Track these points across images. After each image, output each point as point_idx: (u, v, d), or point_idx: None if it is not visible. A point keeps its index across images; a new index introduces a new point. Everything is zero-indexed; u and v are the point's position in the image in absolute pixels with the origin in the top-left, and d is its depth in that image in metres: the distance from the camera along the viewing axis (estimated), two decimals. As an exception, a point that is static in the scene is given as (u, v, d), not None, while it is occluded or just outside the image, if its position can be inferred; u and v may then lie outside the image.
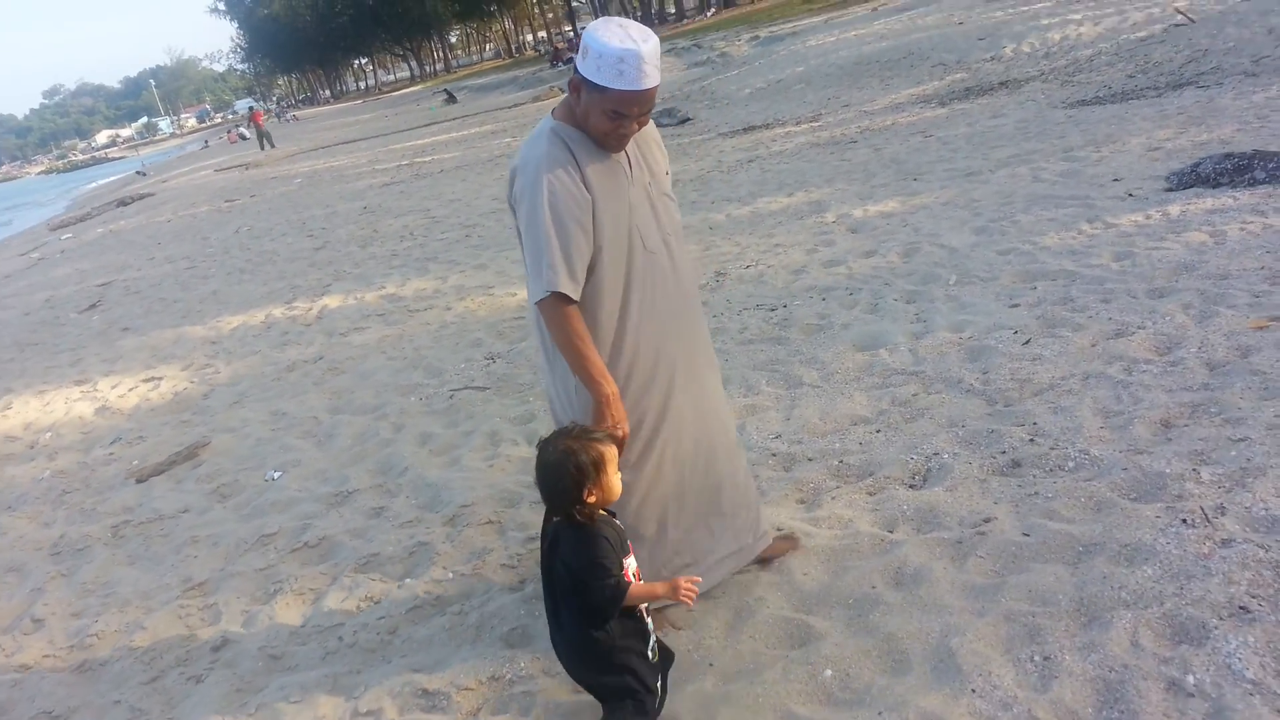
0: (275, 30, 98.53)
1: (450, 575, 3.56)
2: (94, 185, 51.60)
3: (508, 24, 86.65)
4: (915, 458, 3.79)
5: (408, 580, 3.59)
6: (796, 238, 7.52)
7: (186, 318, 9.06)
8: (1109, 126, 8.81)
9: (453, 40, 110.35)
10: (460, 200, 13.41)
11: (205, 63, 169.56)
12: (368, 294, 8.52)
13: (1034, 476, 3.48)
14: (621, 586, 2.31)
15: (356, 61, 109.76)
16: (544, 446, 2.40)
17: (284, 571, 3.83)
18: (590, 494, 2.32)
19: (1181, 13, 12.77)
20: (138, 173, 48.75)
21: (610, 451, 2.37)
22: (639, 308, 2.74)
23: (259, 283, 10.16)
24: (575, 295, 2.55)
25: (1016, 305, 5.10)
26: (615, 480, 2.39)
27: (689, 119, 17.88)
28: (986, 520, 3.25)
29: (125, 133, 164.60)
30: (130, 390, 6.97)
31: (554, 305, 2.52)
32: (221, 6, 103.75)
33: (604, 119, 2.54)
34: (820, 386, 4.66)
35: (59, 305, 11.28)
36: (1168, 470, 3.27)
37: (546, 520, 2.46)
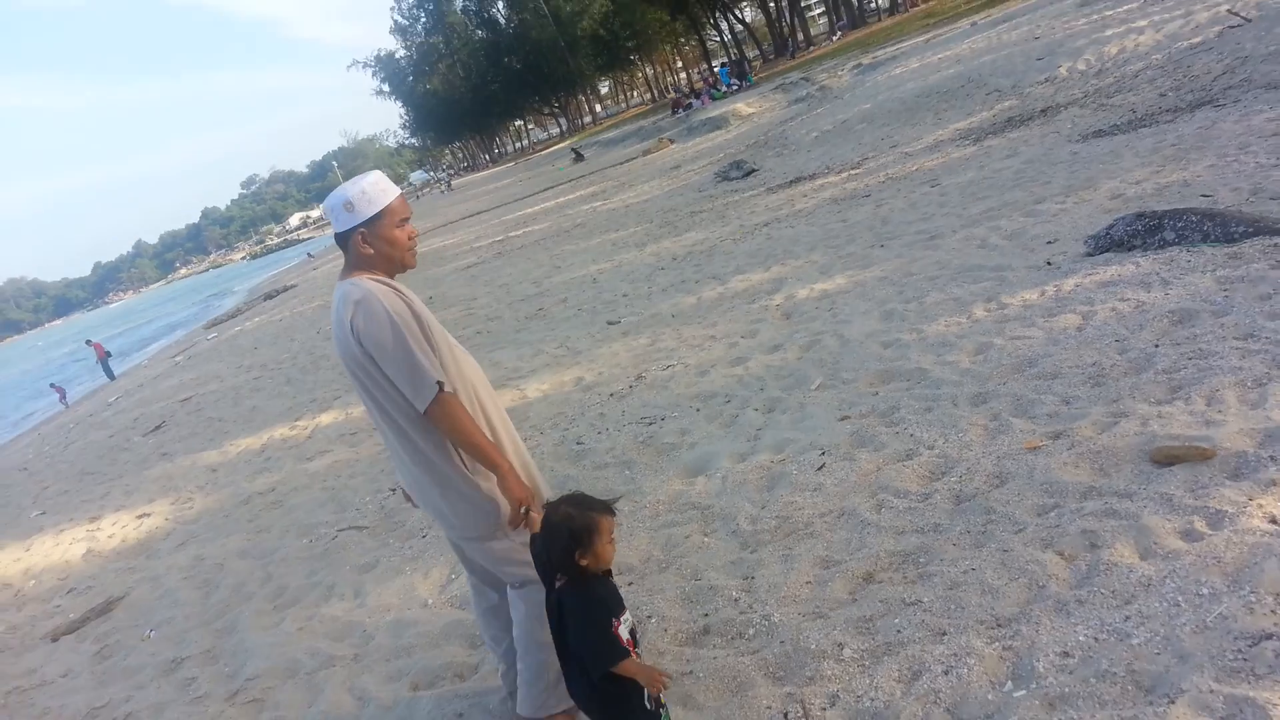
0: (435, 104, 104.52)
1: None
2: (273, 273, 56.18)
3: (649, 71, 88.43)
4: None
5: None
6: (732, 327, 7.47)
7: (211, 441, 9.88)
8: (1098, 166, 8.25)
9: (604, 90, 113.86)
10: (506, 286, 13.92)
11: (380, 140, 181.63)
12: (358, 407, 9.02)
13: (712, 646, 3.40)
14: (616, 650, 2.52)
15: (515, 123, 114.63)
16: (548, 511, 2.61)
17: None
18: (583, 557, 2.53)
19: (1234, 13, 11.71)
20: (308, 255, 52.61)
21: (605, 522, 2.57)
22: (484, 398, 3.05)
23: (290, 396, 10.94)
24: (449, 386, 2.83)
25: (846, 418, 4.93)
26: (607, 548, 2.57)
27: (754, 170, 17.79)
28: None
29: (314, 213, 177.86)
30: (120, 528, 7.72)
31: (445, 400, 2.77)
32: (385, 89, 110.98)
33: (400, 231, 2.91)
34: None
35: (139, 424, 12.50)
36: (814, 646, 3.14)
37: (548, 587, 2.64)
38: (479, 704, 3.52)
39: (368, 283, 2.84)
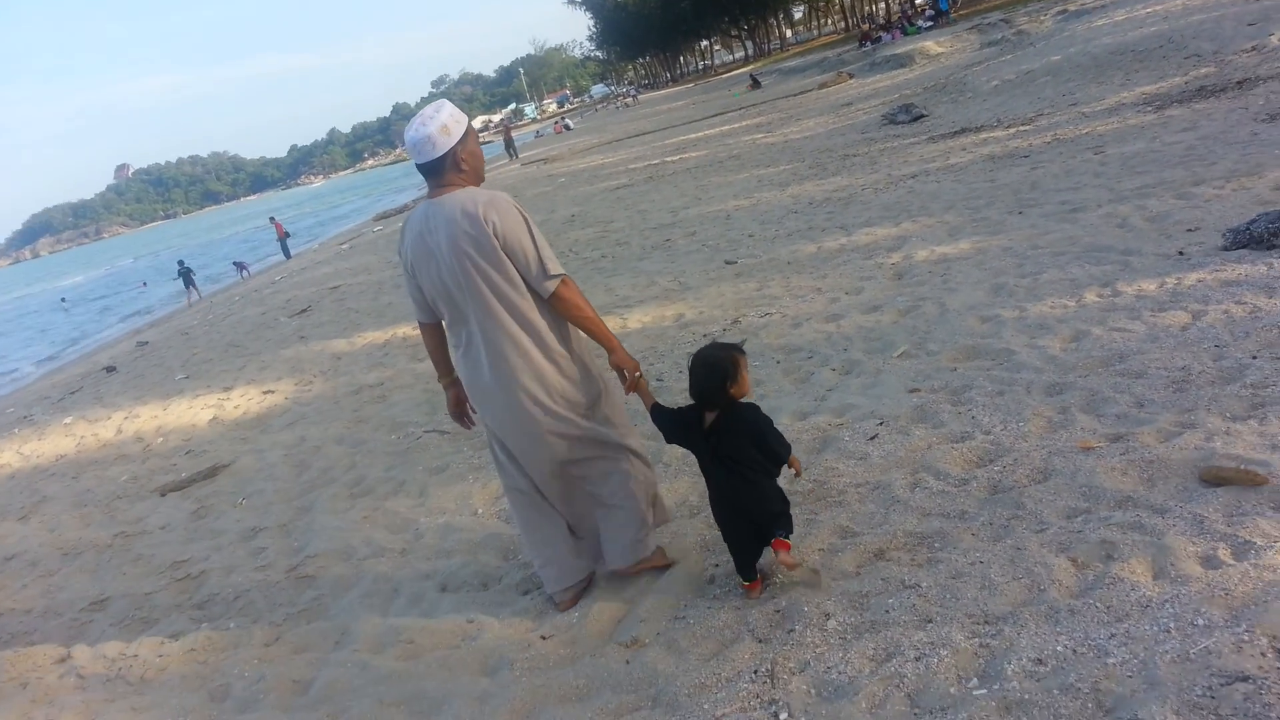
0: (623, 18, 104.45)
1: (231, 626, 4.21)
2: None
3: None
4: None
5: (204, 626, 4.28)
6: (839, 281, 7.35)
7: (344, 330, 10.51)
8: (1274, 151, 7.56)
9: (797, 16, 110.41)
10: (644, 212, 14.01)
11: (566, 50, 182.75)
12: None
13: (710, 596, 3.48)
14: (786, 442, 3.24)
15: (702, 43, 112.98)
16: (700, 354, 3.19)
17: (158, 601, 4.70)
18: (731, 387, 3.12)
19: None
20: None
21: (742, 359, 3.17)
22: None
23: (423, 295, 11.44)
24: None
25: (915, 391, 4.83)
26: (746, 378, 3.17)
27: (923, 116, 17.07)
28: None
29: (496, 117, 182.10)
30: (246, 400, 8.39)
31: (569, 283, 3.27)
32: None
33: (479, 147, 3.38)
34: (668, 466, 4.75)
35: (289, 305, 13.38)
36: (804, 610, 3.18)
37: (695, 419, 3.25)
38: (491, 611, 3.74)
39: (483, 190, 3.25)
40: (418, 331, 3.67)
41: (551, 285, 3.19)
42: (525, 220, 3.20)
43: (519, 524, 3.68)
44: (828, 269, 7.89)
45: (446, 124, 3.16)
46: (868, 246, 8.31)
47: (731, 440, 3.17)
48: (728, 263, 9.16)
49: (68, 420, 9.94)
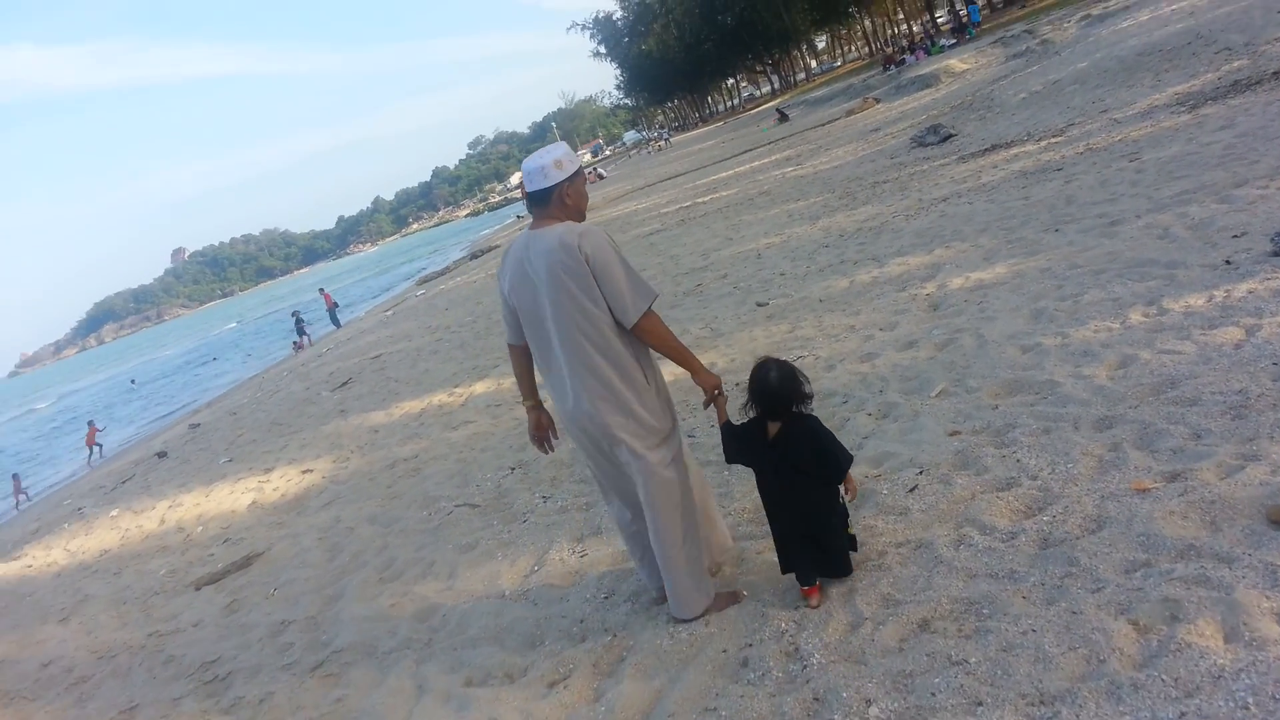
0: (649, 65, 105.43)
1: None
2: (487, 230, 58.86)
3: (867, 24, 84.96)
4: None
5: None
6: (873, 317, 7.11)
7: (382, 402, 10.48)
8: (1319, 143, 7.20)
9: (820, 46, 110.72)
10: (675, 258, 13.89)
11: (596, 101, 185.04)
12: (509, 379, 9.28)
13: (744, 682, 3.25)
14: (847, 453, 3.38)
15: (728, 81, 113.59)
16: (761, 367, 3.35)
17: (185, 707, 4.58)
18: (800, 396, 3.33)
19: None
20: (518, 216, 54.85)
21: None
22: None
23: (458, 361, 11.43)
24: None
25: (956, 434, 4.57)
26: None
27: (951, 135, 16.78)
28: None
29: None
30: (285, 482, 8.34)
31: (655, 313, 3.42)
32: (602, 50, 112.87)
33: (586, 187, 3.61)
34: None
35: (332, 379, 13.45)
36: (843, 698, 2.93)
37: (759, 432, 3.42)
38: (518, 706, 3.54)
39: (581, 224, 3.44)
40: (452, 398, 3.70)
41: (636, 317, 3.34)
42: (617, 252, 3.38)
43: (621, 533, 3.88)
44: (861, 304, 7.66)
45: (560, 159, 3.42)
46: (901, 277, 8.06)
47: (795, 450, 3.31)
48: (759, 305, 8.96)
49: (114, 513, 10.02)
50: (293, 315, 31.36)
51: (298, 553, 6.38)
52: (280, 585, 5.87)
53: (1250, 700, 2.34)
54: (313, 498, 7.69)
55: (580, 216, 3.53)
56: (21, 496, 20.71)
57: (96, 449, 23.72)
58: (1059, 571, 3.16)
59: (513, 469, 6.51)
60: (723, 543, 3.96)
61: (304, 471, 8.63)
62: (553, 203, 3.44)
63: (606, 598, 4.18)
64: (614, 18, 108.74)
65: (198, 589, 6.34)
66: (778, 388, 3.28)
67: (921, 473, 4.29)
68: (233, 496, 8.64)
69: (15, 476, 21.64)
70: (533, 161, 3.45)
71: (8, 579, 8.96)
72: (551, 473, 6.20)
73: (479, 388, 9.45)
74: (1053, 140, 12.48)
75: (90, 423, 24.79)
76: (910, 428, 4.85)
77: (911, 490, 4.16)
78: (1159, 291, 5.43)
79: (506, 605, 4.44)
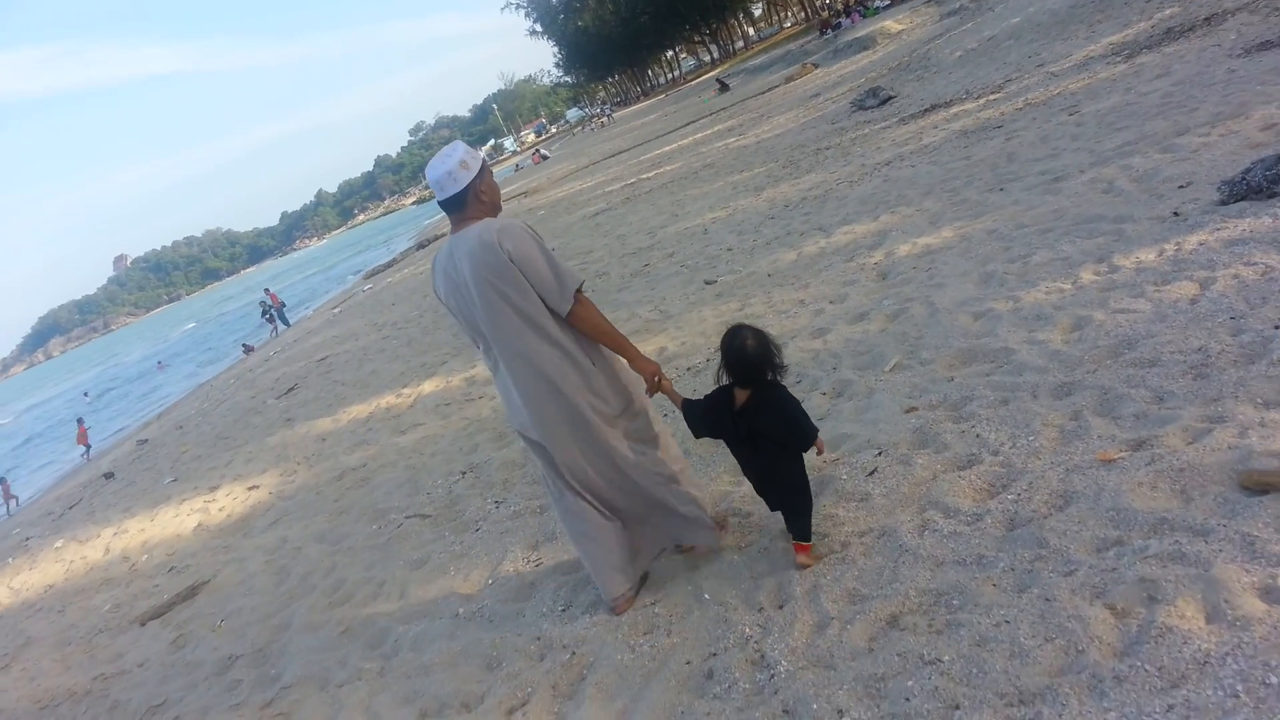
0: (586, 41, 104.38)
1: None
2: (432, 219, 57.98)
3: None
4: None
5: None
6: (822, 290, 6.96)
7: (329, 408, 10.17)
8: (1255, 87, 7.15)
9: (757, 13, 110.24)
10: (622, 237, 13.66)
11: (536, 80, 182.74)
12: (457, 375, 9.03)
13: (709, 696, 3.08)
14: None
15: (667, 54, 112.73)
16: (736, 334, 3.25)
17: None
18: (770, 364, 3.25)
19: None
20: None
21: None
22: None
23: (405, 359, 11.12)
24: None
25: (913, 410, 4.43)
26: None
27: (891, 98, 16.69)
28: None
29: (480, 154, 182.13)
30: (231, 500, 8.05)
31: (584, 300, 3.37)
32: (538, 28, 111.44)
33: (494, 180, 3.53)
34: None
35: (278, 385, 13.06)
36: (814, 710, 2.77)
37: (726, 401, 3.38)
38: (476, 740, 3.35)
39: (498, 219, 3.38)
40: (400, 400, 3.62)
41: (567, 305, 3.31)
42: (538, 243, 3.33)
43: (573, 541, 3.76)
44: (809, 277, 7.50)
45: (464, 159, 3.34)
46: (848, 246, 7.92)
47: (763, 418, 3.28)
48: (707, 283, 8.78)
49: (59, 544, 9.64)
50: (260, 305, 31.24)
51: (244, 579, 6.11)
52: (227, 616, 5.60)
53: (1240, 688, 2.21)
54: (259, 517, 7.40)
55: (496, 210, 3.48)
56: (12, 501, 20.75)
57: (87, 447, 23.57)
58: (1028, 554, 3.03)
59: (464, 473, 6.28)
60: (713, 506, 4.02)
61: (250, 488, 8.32)
62: (469, 204, 3.38)
63: (564, 609, 3.99)
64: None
65: (143, 625, 6.05)
66: (754, 355, 3.20)
67: (880, 454, 4.14)
68: (177, 520, 8.31)
69: (3, 481, 21.70)
70: (437, 170, 3.35)
71: (-56, 622, 8.57)
72: (504, 475, 5.99)
73: (427, 386, 9.18)
74: (991, 97, 12.41)
75: (79, 420, 24.79)
76: (866, 406, 4.70)
77: (871, 474, 4.01)
78: (1108, 248, 5.32)
79: (460, 625, 4.23)
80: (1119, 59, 10.92)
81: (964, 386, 4.42)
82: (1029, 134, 9.12)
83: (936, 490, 3.65)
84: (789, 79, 31.89)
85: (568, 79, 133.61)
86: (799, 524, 3.46)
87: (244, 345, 30.39)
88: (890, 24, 30.10)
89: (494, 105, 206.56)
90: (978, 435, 3.93)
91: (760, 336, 3.25)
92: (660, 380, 3.55)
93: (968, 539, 3.27)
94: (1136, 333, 4.18)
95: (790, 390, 3.53)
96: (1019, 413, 3.95)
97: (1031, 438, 3.72)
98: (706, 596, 3.60)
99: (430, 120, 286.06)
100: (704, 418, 3.50)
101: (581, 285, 3.37)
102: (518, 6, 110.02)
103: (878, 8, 40.51)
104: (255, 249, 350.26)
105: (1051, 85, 11.17)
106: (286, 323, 31.23)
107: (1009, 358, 4.51)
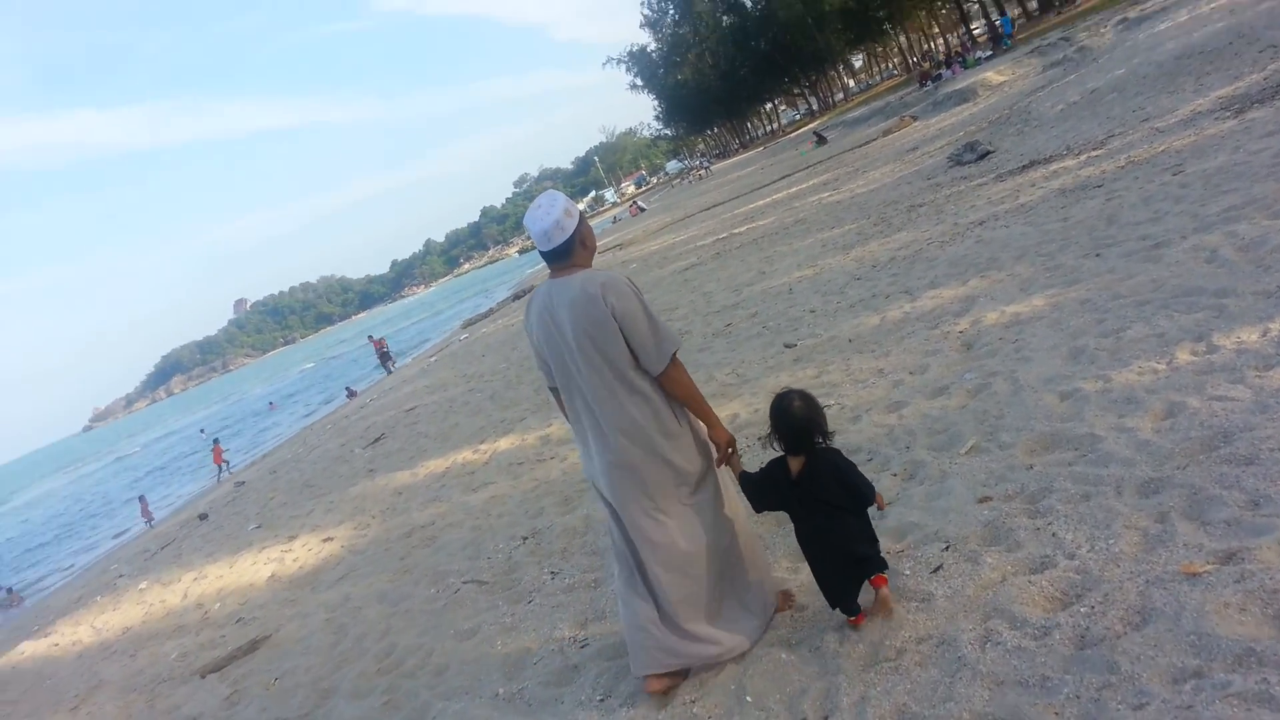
0: (685, 94, 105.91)
1: None
2: (537, 268, 59.12)
3: (903, 40, 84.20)
4: None
5: None
6: (903, 360, 6.70)
7: (410, 460, 10.27)
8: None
9: (858, 65, 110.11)
10: (708, 295, 13.57)
11: (636, 133, 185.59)
12: (533, 433, 9.01)
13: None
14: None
15: (766, 105, 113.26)
16: (783, 399, 3.33)
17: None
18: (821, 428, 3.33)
19: None
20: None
21: None
22: None
23: (486, 414, 11.20)
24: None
25: (986, 500, 4.15)
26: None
27: (989, 153, 16.26)
28: None
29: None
30: (306, 551, 8.17)
31: (679, 362, 3.40)
32: (639, 82, 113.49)
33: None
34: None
35: (367, 434, 13.30)
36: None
37: (782, 471, 3.41)
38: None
39: (601, 271, 3.41)
40: (476, 455, 3.60)
41: (662, 367, 3.34)
42: (641, 301, 3.37)
43: (620, 601, 3.68)
44: (890, 344, 7.24)
45: (568, 208, 3.41)
46: (933, 312, 7.63)
47: (822, 485, 3.30)
48: (787, 346, 8.59)
49: (143, 585, 9.95)
50: (376, 345, 32.47)
51: (303, 636, 6.15)
52: (281, 674, 5.63)
53: None
54: (328, 570, 7.47)
55: (592, 260, 3.55)
56: (150, 517, 21.98)
57: (225, 465, 24.88)
58: (1097, 680, 2.74)
59: (525, 538, 6.21)
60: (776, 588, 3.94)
61: (325, 540, 8.43)
62: (575, 252, 3.45)
63: (602, 700, 3.82)
64: (648, 49, 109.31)
65: (203, 677, 6.14)
66: (802, 419, 3.25)
67: (948, 548, 3.88)
68: (254, 568, 8.47)
69: (141, 498, 23.36)
70: (543, 221, 3.38)
71: (34, 659, 8.89)
72: (564, 542, 5.88)
73: (503, 443, 9.18)
74: (1092, 154, 11.95)
75: (215, 441, 26.09)
76: (937, 492, 4.44)
77: (935, 570, 3.75)
78: (1207, 325, 4.96)
79: (499, 707, 4.10)
80: (1228, 114, 10.38)
81: (1043, 476, 4.13)
82: (1130, 194, 8.70)
83: (1004, 595, 3.38)
84: (886, 132, 31.53)
85: (667, 131, 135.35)
86: (873, 563, 3.44)
87: (348, 389, 31.23)
88: (991, 75, 29.54)
89: (595, 157, 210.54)
90: (1054, 534, 3.64)
91: (808, 400, 3.30)
92: (733, 451, 3.56)
93: (1033, 656, 3.00)
94: (1233, 424, 3.84)
95: (861, 468, 3.40)
96: (1100, 510, 3.65)
97: (1112, 541, 3.42)
98: (749, 699, 3.39)
99: (534, 172, 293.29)
100: (760, 489, 3.49)
101: (678, 348, 3.40)
102: (619, 62, 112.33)
103: (979, 59, 39.89)
104: (366, 295, 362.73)
105: (1156, 142, 10.68)
106: (388, 369, 32.03)
107: (1094, 445, 4.20)
